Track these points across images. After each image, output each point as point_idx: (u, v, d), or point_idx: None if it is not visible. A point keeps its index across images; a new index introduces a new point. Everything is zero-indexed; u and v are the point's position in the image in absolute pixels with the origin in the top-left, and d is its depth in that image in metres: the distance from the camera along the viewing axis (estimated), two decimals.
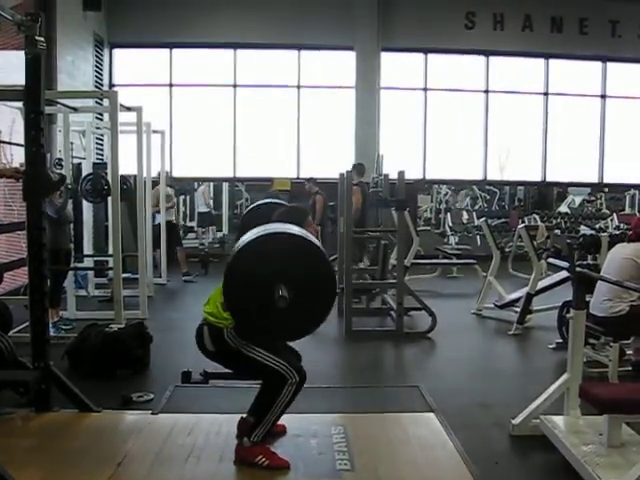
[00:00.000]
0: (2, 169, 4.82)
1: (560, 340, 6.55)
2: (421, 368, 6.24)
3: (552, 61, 14.85)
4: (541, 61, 14.86)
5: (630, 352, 5.71)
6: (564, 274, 7.04)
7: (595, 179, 15.36)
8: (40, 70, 4.18)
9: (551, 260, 5.87)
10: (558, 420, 4.15)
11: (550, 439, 4.04)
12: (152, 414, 4.46)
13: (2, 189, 8.58)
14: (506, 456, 4.07)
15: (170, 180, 10.96)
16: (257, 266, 3.27)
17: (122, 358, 5.65)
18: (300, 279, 3.28)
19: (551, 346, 6.65)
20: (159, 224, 10.51)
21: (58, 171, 7.84)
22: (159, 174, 10.59)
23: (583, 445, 3.75)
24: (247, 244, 3.31)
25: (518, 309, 7.54)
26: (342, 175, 8.23)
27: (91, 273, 9.40)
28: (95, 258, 9.84)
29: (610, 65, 14.92)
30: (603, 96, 15.05)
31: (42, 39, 4.12)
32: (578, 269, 4.26)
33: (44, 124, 4.29)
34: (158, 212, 10.53)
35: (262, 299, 3.26)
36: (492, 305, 8.22)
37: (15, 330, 6.35)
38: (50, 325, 5.09)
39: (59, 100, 7.63)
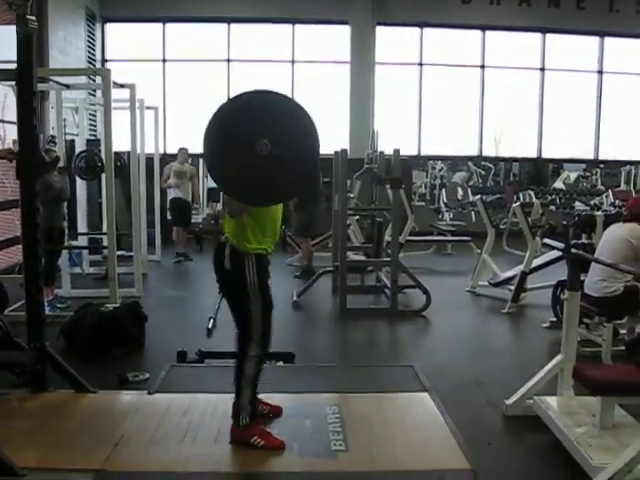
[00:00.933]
0: None
1: (554, 319, 6.59)
2: (415, 346, 6.27)
3: (549, 36, 14.79)
4: (538, 36, 14.79)
5: (624, 331, 5.74)
6: (558, 252, 7.06)
7: (591, 155, 15.36)
8: (32, 49, 4.13)
9: (546, 241, 5.89)
10: (551, 401, 4.19)
11: (543, 420, 4.08)
12: (148, 394, 4.46)
13: None
14: (499, 436, 4.11)
15: (184, 157, 10.73)
16: (240, 120, 3.15)
17: (117, 337, 5.68)
18: (284, 136, 3.15)
19: (545, 325, 6.68)
20: (171, 200, 10.63)
21: (51, 148, 7.79)
22: (180, 151, 10.72)
23: (576, 426, 3.79)
24: (230, 100, 3.22)
25: (512, 287, 7.56)
26: (337, 152, 8.20)
27: (85, 251, 9.38)
28: (89, 235, 9.82)
29: (607, 40, 14.86)
30: (600, 72, 15.00)
31: (33, 18, 4.06)
32: (573, 250, 4.26)
33: (37, 104, 4.25)
34: (169, 187, 10.58)
35: (244, 153, 3.13)
36: (486, 283, 8.24)
37: (10, 309, 6.37)
38: (45, 304, 5.10)
39: (51, 77, 7.55)
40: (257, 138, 3.08)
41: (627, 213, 5.58)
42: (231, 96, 3.22)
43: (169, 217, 11.00)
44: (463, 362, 5.65)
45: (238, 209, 3.47)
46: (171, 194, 10.61)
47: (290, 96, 3.34)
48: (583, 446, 3.55)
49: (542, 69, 14.93)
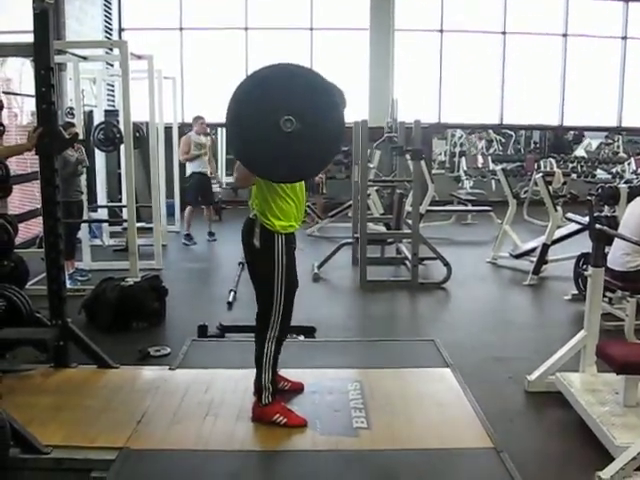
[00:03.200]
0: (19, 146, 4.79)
1: (576, 292, 6.53)
2: (436, 320, 6.24)
3: (572, 1, 14.45)
4: (561, 1, 14.47)
5: None
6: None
7: (613, 122, 15.13)
8: (49, 25, 4.08)
9: (570, 216, 5.80)
10: (574, 377, 4.15)
11: (566, 396, 4.05)
12: (169, 369, 4.47)
13: (14, 139, 8.54)
14: (521, 413, 4.10)
15: (203, 128, 9.72)
16: (264, 96, 3.09)
17: (138, 312, 5.72)
18: (308, 112, 3.09)
19: (567, 297, 6.63)
20: (192, 174, 9.74)
21: (70, 121, 7.78)
22: (197, 120, 9.71)
23: (599, 404, 3.76)
24: (253, 74, 3.13)
25: (534, 259, 7.50)
26: (357, 123, 8.12)
27: (105, 223, 9.42)
28: (109, 205, 9.85)
29: (632, 5, 14.52)
30: (624, 37, 14.69)
31: None
32: (597, 226, 4.19)
33: (54, 79, 4.22)
34: (188, 161, 9.73)
35: (268, 129, 3.07)
36: (507, 254, 8.18)
37: (31, 282, 6.41)
38: (66, 277, 5.12)
39: (68, 50, 7.51)
40: (281, 115, 3.03)
41: None
42: (251, 68, 3.17)
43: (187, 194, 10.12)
44: (484, 336, 5.62)
45: (244, 178, 3.46)
46: (191, 168, 9.73)
47: (314, 69, 3.28)
48: (606, 425, 3.52)
49: (565, 35, 14.66)
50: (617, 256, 5.40)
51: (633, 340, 5.19)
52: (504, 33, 14.58)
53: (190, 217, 9.82)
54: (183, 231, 9.96)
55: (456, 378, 4.35)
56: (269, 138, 3.08)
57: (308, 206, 10.97)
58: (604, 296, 5.20)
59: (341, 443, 3.45)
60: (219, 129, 13.20)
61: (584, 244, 6.12)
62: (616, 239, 5.35)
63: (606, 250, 4.96)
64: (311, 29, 14.27)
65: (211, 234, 10.13)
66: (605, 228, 4.33)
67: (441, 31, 14.52)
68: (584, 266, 6.25)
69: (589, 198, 5.20)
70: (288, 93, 3.09)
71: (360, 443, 3.46)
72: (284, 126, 3.03)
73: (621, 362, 3.65)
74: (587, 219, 6.19)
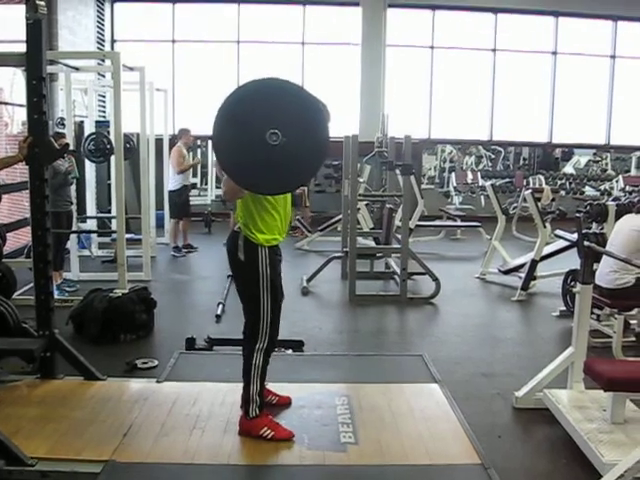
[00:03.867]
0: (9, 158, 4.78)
1: (564, 308, 6.56)
2: (424, 335, 6.24)
3: (562, 19, 14.61)
4: (551, 19, 14.61)
5: (634, 322, 5.70)
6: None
7: (602, 140, 15.25)
8: (41, 36, 4.08)
9: (558, 233, 5.83)
10: (561, 394, 4.16)
11: (553, 413, 4.06)
12: (157, 382, 4.46)
13: (4, 148, 8.51)
14: (509, 430, 4.09)
15: (188, 139, 9.89)
16: (251, 109, 3.10)
17: (126, 323, 5.68)
18: (295, 126, 3.11)
19: (555, 314, 6.66)
20: (182, 187, 9.79)
21: (60, 131, 7.76)
22: (186, 132, 9.85)
23: (586, 421, 3.77)
24: (242, 87, 3.16)
25: (522, 274, 7.52)
26: (347, 137, 8.15)
27: (94, 234, 9.39)
28: (99, 216, 9.81)
29: (621, 24, 14.67)
30: (613, 56, 14.84)
31: (43, 3, 4.01)
32: (586, 243, 4.21)
33: (46, 90, 4.21)
34: (183, 172, 9.73)
35: (255, 142, 3.07)
36: (496, 270, 8.20)
37: (19, 292, 6.38)
38: (54, 287, 5.10)
39: (61, 60, 7.50)
40: (268, 127, 3.05)
41: None
42: (242, 82, 3.18)
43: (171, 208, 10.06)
44: (472, 352, 5.62)
45: (233, 192, 3.44)
46: (181, 181, 9.76)
47: (302, 85, 3.30)
48: (594, 442, 3.52)
49: (554, 53, 14.78)
50: (605, 273, 5.43)
51: (620, 357, 5.23)
52: (494, 50, 14.69)
53: (179, 229, 9.88)
54: (172, 244, 9.94)
55: (444, 393, 4.36)
56: (255, 151, 3.09)
57: (297, 220, 10.99)
58: (592, 313, 5.21)
59: (328, 458, 3.45)
60: (209, 141, 13.18)
61: (572, 261, 6.16)
62: (604, 256, 5.38)
63: (594, 267, 4.99)
64: (303, 43, 14.34)
65: (190, 246, 10.13)
66: (593, 245, 4.34)
67: (432, 47, 14.61)
68: (572, 283, 6.28)
69: (578, 215, 5.23)
70: (274, 107, 3.11)
71: (348, 458, 3.46)
72: (270, 139, 3.04)
73: (608, 379, 3.66)
74: (575, 236, 6.23)
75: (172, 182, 9.81)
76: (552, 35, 14.72)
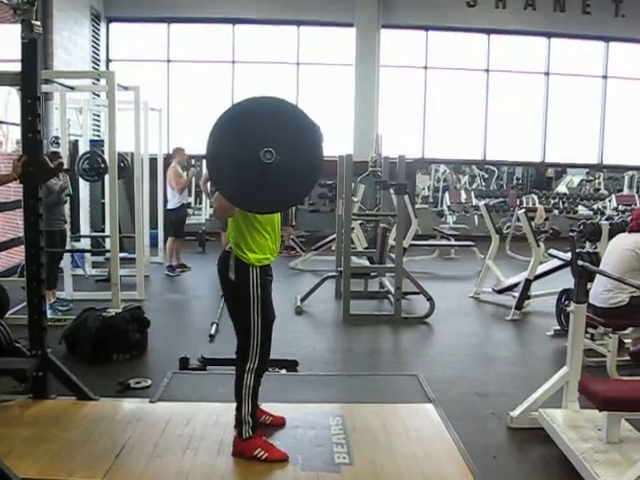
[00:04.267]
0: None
1: (558, 327, 6.57)
2: (419, 354, 6.22)
3: (554, 40, 14.73)
4: (543, 40, 14.73)
5: (629, 341, 5.70)
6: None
7: (595, 160, 15.32)
8: (36, 55, 4.10)
9: (552, 252, 5.83)
10: (556, 414, 4.15)
11: (548, 433, 4.04)
12: (150, 402, 4.43)
13: None
14: (504, 450, 4.07)
15: (182, 158, 9.98)
16: (246, 126, 3.11)
17: (119, 343, 5.65)
18: (289, 145, 3.11)
19: (549, 333, 6.65)
20: (180, 205, 9.91)
21: (55, 150, 7.76)
22: (181, 151, 9.93)
23: (582, 441, 3.75)
24: (236, 105, 3.18)
25: (516, 293, 7.53)
26: (341, 157, 8.18)
27: (88, 253, 9.37)
28: (92, 235, 9.80)
29: (613, 45, 14.81)
30: (605, 77, 14.96)
31: (38, 23, 4.03)
32: (580, 262, 4.22)
33: (40, 109, 4.22)
34: (182, 190, 9.85)
35: (249, 159, 3.07)
36: (490, 289, 8.20)
37: (12, 311, 6.35)
38: (47, 307, 5.07)
39: (55, 79, 7.53)
40: (262, 146, 3.05)
41: (633, 224, 5.54)
42: (237, 100, 3.18)
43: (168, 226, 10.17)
44: (467, 371, 5.61)
45: (224, 209, 3.43)
46: (180, 199, 9.86)
47: (296, 104, 3.31)
48: (589, 461, 3.51)
49: (547, 73, 14.89)
50: (599, 292, 5.44)
51: (615, 376, 5.22)
52: (487, 71, 14.79)
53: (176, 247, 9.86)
54: (167, 263, 9.89)
55: (439, 413, 4.35)
56: (249, 169, 3.09)
57: (292, 239, 11.00)
58: (586, 332, 5.21)
59: (322, 479, 3.42)
60: (204, 161, 13.20)
61: (566, 280, 6.15)
62: (598, 275, 5.39)
63: (588, 286, 4.99)
64: (297, 64, 14.41)
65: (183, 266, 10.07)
66: (587, 264, 4.36)
67: (425, 68, 14.70)
68: (566, 302, 6.28)
69: (571, 234, 5.23)
70: (269, 125, 3.11)
71: (342, 479, 3.43)
72: (264, 157, 3.05)
73: (603, 398, 3.66)
74: (569, 255, 6.22)
75: (171, 201, 9.84)
76: (544, 56, 14.83)
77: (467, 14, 14.28)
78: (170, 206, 9.88)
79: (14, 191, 7.99)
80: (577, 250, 5.56)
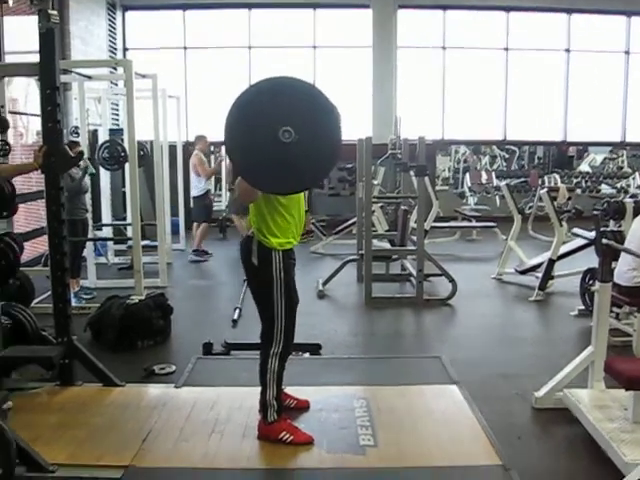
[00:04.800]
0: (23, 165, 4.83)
1: (582, 307, 6.51)
2: (442, 336, 6.21)
3: (574, 16, 14.51)
4: (563, 16, 14.51)
5: None
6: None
7: (617, 137, 15.12)
8: (54, 45, 4.11)
9: (576, 231, 5.78)
10: (582, 394, 4.12)
11: (574, 413, 4.02)
12: (175, 387, 4.47)
13: (20, 159, 8.57)
14: (529, 430, 4.06)
15: (204, 145, 10.19)
16: (263, 106, 3.08)
17: (143, 330, 5.70)
18: (307, 124, 3.09)
19: (573, 313, 6.60)
20: (207, 191, 10.19)
21: (74, 140, 7.79)
22: (203, 138, 10.07)
23: (607, 420, 3.73)
24: (254, 85, 3.15)
25: (539, 274, 7.48)
26: (361, 140, 8.14)
27: (110, 241, 9.44)
28: (114, 224, 9.86)
29: (635, 20, 14.56)
30: (627, 52, 14.72)
31: (55, 13, 4.04)
32: (604, 241, 4.18)
33: (60, 99, 4.24)
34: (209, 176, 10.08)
35: (267, 139, 3.05)
36: (513, 270, 8.15)
37: (37, 300, 6.41)
38: (71, 295, 5.12)
39: (74, 69, 7.55)
40: (280, 125, 3.02)
41: None
42: (256, 80, 3.16)
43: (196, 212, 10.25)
44: (490, 352, 5.60)
45: (246, 193, 3.41)
46: (206, 185, 10.13)
47: (313, 83, 3.27)
48: (615, 441, 3.48)
49: (567, 50, 14.68)
50: (624, 271, 5.38)
51: None
52: (507, 49, 14.61)
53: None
54: (194, 247, 9.98)
55: (463, 395, 4.34)
56: (268, 149, 3.07)
57: (312, 223, 10.99)
58: (611, 311, 5.18)
59: (348, 461, 3.44)
60: (223, 147, 13.21)
61: (590, 259, 6.11)
62: (622, 254, 5.33)
63: (612, 265, 4.94)
64: (314, 47, 14.33)
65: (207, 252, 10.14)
66: (612, 243, 4.31)
67: (444, 48, 14.56)
68: (590, 281, 6.23)
69: (595, 213, 5.18)
70: (285, 104, 3.09)
71: (367, 461, 3.45)
72: (282, 137, 3.02)
73: (629, 378, 3.62)
74: (593, 234, 6.18)
75: (196, 187, 9.96)
76: (565, 32, 14.62)
77: None
78: (195, 193, 9.99)
79: (36, 182, 8.05)
80: (601, 229, 5.53)
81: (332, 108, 3.15)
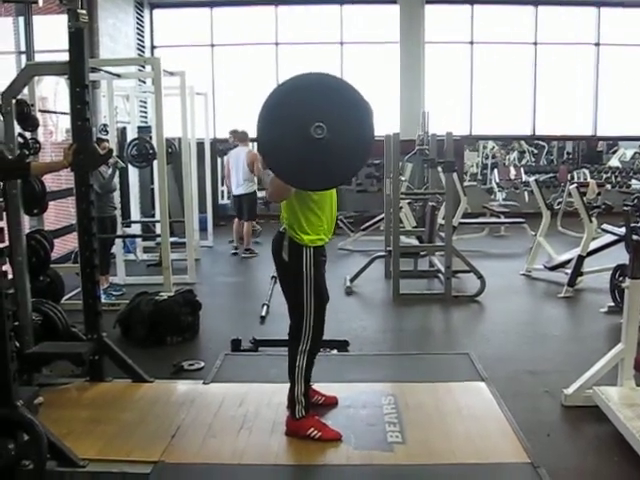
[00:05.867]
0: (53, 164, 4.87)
1: (612, 303, 6.45)
2: (470, 333, 6.18)
3: (603, 9, 14.32)
4: (593, 10, 14.34)
5: None
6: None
7: None
8: (83, 43, 4.14)
9: (605, 227, 5.71)
10: (612, 391, 4.08)
11: (603, 411, 3.98)
12: (203, 384, 4.49)
13: (50, 157, 8.67)
14: (558, 428, 4.03)
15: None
16: (296, 102, 3.09)
17: (172, 326, 5.74)
18: (340, 120, 3.07)
19: (603, 310, 6.53)
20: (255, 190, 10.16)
21: (102, 137, 7.85)
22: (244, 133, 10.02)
23: (638, 419, 3.68)
24: (287, 81, 3.15)
25: (568, 271, 7.40)
26: (389, 136, 8.12)
27: (139, 238, 9.53)
28: (143, 221, 9.94)
29: None
30: None
31: (84, 12, 4.07)
32: (635, 237, 4.13)
33: (89, 97, 4.28)
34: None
35: (299, 135, 3.04)
36: (542, 266, 8.08)
37: (67, 297, 6.48)
38: (101, 292, 5.18)
39: (102, 68, 7.62)
40: (312, 121, 3.01)
41: None
42: (286, 78, 3.16)
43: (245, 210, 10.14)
44: (519, 349, 5.56)
45: (279, 191, 3.43)
46: (255, 182, 10.13)
47: (346, 80, 3.26)
48: None
49: (597, 44, 14.50)
50: None
51: None
52: (535, 44, 14.47)
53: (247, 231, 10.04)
54: (245, 246, 10.03)
55: (491, 392, 4.31)
56: (300, 145, 3.06)
57: (340, 219, 10.98)
58: None
59: (376, 458, 3.43)
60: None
61: (620, 256, 6.05)
62: None
63: None
64: (341, 43, 14.32)
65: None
66: None
67: (471, 43, 14.46)
68: (620, 278, 6.16)
69: (625, 209, 5.12)
70: (317, 100, 3.08)
71: (395, 458, 3.44)
72: (315, 133, 3.01)
73: None
74: (623, 230, 6.10)
75: (249, 184, 9.96)
76: (594, 26, 14.44)
77: None
78: (249, 189, 9.97)
79: (65, 179, 8.13)
80: (631, 225, 5.47)
81: (365, 104, 3.13)
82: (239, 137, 10.06)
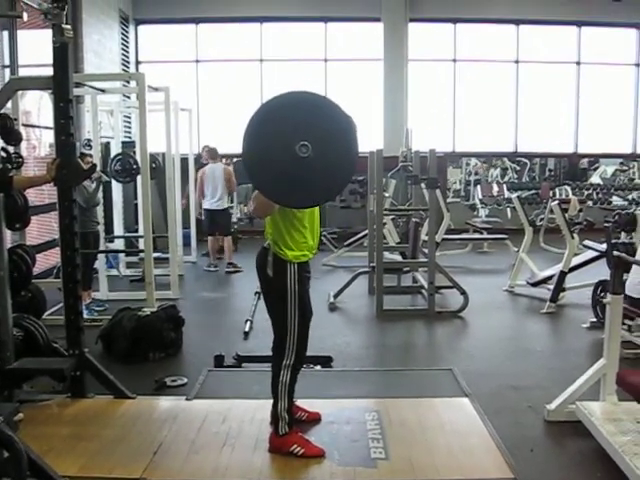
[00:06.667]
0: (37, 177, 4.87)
1: (594, 319, 6.49)
2: (453, 349, 6.19)
3: (584, 29, 14.51)
4: (573, 29, 14.52)
5: None
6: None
7: (628, 149, 15.09)
8: (67, 58, 4.15)
9: (587, 243, 5.76)
10: (594, 406, 4.09)
11: (586, 426, 3.99)
12: (186, 400, 4.48)
13: (32, 171, 8.63)
14: (541, 443, 4.03)
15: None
16: (281, 120, 3.09)
17: (155, 342, 5.71)
18: (324, 139, 3.08)
19: (585, 325, 6.57)
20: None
21: (85, 152, 7.83)
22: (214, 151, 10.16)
23: (620, 434, 3.70)
24: (272, 99, 3.15)
25: (551, 286, 7.45)
26: (372, 152, 8.16)
27: (122, 253, 9.48)
28: (126, 236, 9.90)
29: None
30: (637, 64, 14.72)
31: (69, 27, 4.08)
32: (615, 253, 4.17)
33: (73, 112, 4.27)
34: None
35: (284, 154, 3.05)
36: (524, 282, 8.13)
37: (49, 312, 6.42)
38: (83, 307, 5.14)
39: (87, 83, 7.61)
40: (297, 139, 3.03)
41: None
42: (265, 99, 3.18)
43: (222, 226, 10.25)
44: (502, 365, 5.57)
45: (263, 207, 3.44)
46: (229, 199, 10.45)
47: (331, 98, 3.28)
48: (628, 454, 3.45)
49: (578, 63, 14.68)
50: (635, 283, 5.36)
51: None
52: (517, 62, 14.63)
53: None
54: (228, 260, 10.09)
55: (474, 407, 4.33)
56: (285, 163, 3.08)
57: (324, 235, 10.99)
58: (623, 324, 5.14)
59: (359, 474, 3.43)
60: (234, 159, 13.27)
61: (602, 271, 6.09)
62: (634, 266, 5.31)
63: (624, 277, 4.92)
64: (325, 60, 14.40)
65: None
66: (623, 255, 4.29)
67: (454, 60, 14.59)
68: (602, 293, 6.21)
69: (606, 225, 5.17)
70: (302, 119, 3.09)
71: (379, 474, 3.44)
72: (299, 151, 3.03)
73: None
74: (604, 246, 6.16)
75: (224, 200, 10.03)
76: (575, 45, 14.62)
77: (495, 5, 14.16)
78: (223, 205, 10.03)
79: (48, 194, 8.10)
80: (612, 241, 5.52)
81: (349, 122, 3.16)
82: (210, 154, 10.09)
